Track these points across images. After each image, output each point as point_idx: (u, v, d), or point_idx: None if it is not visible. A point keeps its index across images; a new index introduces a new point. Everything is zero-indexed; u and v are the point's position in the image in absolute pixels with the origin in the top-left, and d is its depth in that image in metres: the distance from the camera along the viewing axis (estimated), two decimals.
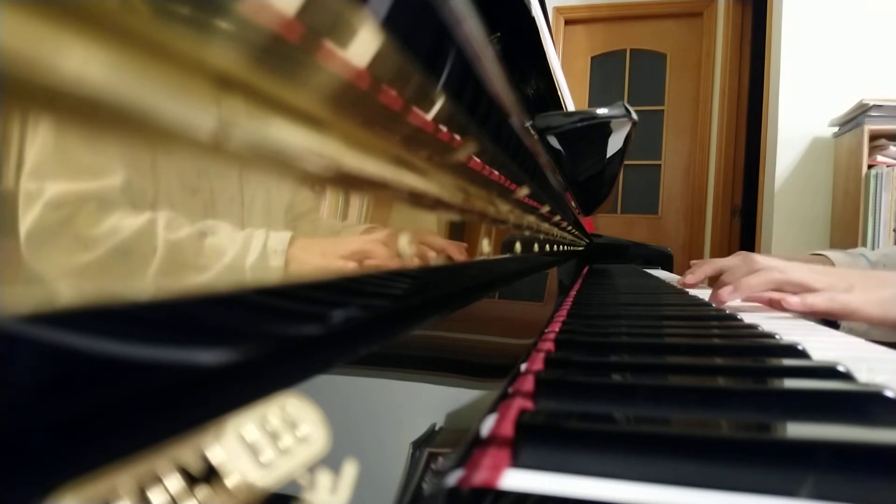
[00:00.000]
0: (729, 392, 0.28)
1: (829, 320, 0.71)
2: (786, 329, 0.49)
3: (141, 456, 0.09)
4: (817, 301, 0.65)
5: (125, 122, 0.09)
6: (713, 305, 0.69)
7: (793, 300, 0.66)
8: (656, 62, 3.05)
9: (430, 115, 0.22)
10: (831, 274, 0.69)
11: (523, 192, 0.47)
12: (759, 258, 0.75)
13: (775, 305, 0.68)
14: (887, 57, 2.19)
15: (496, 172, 0.36)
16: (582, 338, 0.43)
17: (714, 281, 0.85)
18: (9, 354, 0.08)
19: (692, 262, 1.07)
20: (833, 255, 0.92)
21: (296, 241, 0.16)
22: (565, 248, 1.00)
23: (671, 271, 1.44)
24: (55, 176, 0.08)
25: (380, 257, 0.21)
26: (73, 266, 0.09)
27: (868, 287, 0.66)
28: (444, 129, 0.24)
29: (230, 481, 0.11)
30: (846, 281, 0.67)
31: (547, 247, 0.72)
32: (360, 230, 0.20)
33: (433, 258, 0.27)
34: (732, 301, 0.73)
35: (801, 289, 0.68)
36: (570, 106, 0.91)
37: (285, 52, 0.13)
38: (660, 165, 3.06)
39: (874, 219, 1.94)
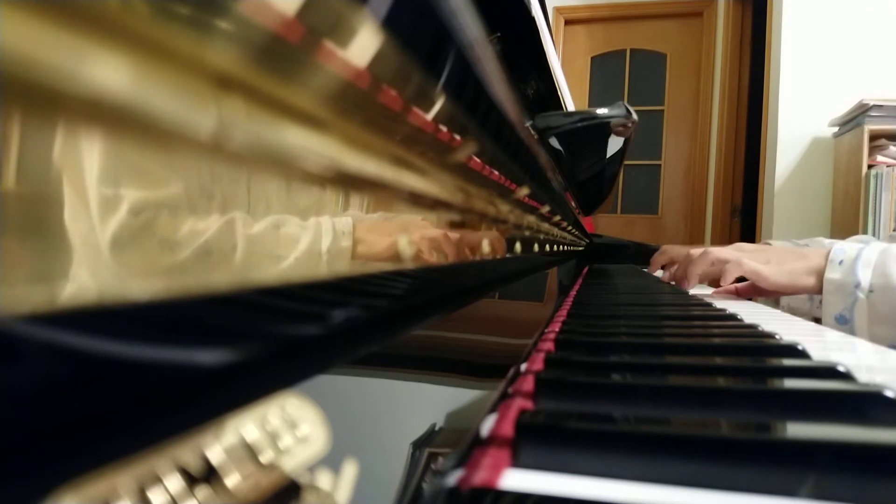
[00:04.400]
0: (729, 392, 0.28)
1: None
2: (785, 329, 0.49)
3: (141, 456, 0.09)
4: (734, 269, 0.81)
5: (141, 126, 0.09)
6: (713, 305, 0.69)
7: (722, 288, 0.83)
8: (656, 62, 3.05)
9: (430, 115, 0.22)
10: (754, 251, 0.84)
11: (523, 192, 0.47)
12: (699, 250, 0.92)
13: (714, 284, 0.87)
14: (887, 57, 2.19)
15: (496, 172, 0.36)
16: (582, 338, 0.43)
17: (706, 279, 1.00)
18: (9, 354, 0.08)
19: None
20: (777, 244, 1.10)
21: (357, 224, 0.17)
22: (565, 247, 1.00)
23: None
24: (130, 183, 0.09)
25: (429, 245, 0.23)
26: (160, 266, 0.10)
27: (782, 261, 0.80)
28: (444, 129, 0.24)
29: (230, 481, 0.11)
30: (765, 255, 0.81)
31: (547, 247, 0.72)
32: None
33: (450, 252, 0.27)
34: (693, 289, 0.90)
35: (725, 263, 0.83)
36: (570, 106, 0.91)
37: (285, 52, 0.13)
38: (660, 165, 3.06)
39: (874, 219, 1.94)
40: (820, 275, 0.78)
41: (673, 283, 0.95)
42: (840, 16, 2.24)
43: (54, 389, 0.08)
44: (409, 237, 0.22)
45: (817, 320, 0.78)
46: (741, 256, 0.82)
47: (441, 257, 0.26)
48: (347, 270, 0.17)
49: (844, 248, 0.77)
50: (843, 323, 0.74)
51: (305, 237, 0.14)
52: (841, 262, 0.75)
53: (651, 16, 3.03)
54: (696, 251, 0.90)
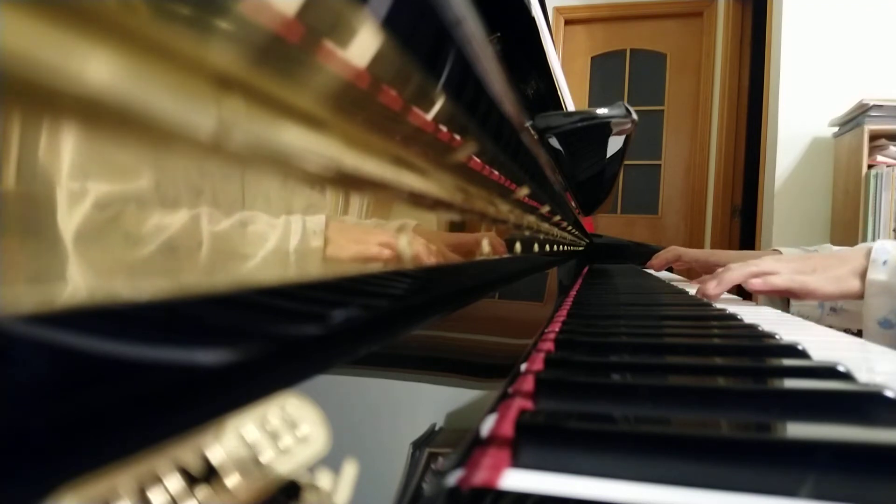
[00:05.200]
0: (729, 392, 0.28)
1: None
2: (785, 328, 0.49)
3: (141, 456, 0.09)
4: (778, 281, 0.74)
5: (137, 124, 0.09)
6: (713, 305, 0.69)
7: (755, 281, 0.75)
8: (656, 62, 3.05)
9: (430, 115, 0.22)
10: (796, 260, 0.79)
11: (523, 192, 0.47)
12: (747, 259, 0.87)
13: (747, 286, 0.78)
14: (887, 57, 2.19)
15: (496, 172, 0.36)
16: (582, 338, 0.43)
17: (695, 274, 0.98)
18: (9, 354, 0.08)
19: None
20: (787, 251, 1.07)
21: (330, 223, 0.17)
22: (565, 247, 1.00)
23: (671, 271, 1.44)
24: (98, 177, 0.09)
25: (402, 249, 0.22)
26: (124, 262, 0.10)
27: (827, 268, 0.75)
28: (444, 129, 0.24)
29: (230, 481, 0.11)
30: (809, 265, 0.76)
31: (547, 247, 0.72)
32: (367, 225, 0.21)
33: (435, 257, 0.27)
34: (717, 291, 0.84)
35: (772, 274, 0.77)
36: (570, 106, 0.91)
37: (285, 52, 0.13)
38: (660, 165, 3.05)
39: (874, 219, 1.94)
40: (865, 277, 0.73)
41: (698, 282, 0.90)
42: (840, 16, 2.23)
43: (54, 389, 0.08)
44: (384, 244, 0.21)
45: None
46: (791, 269, 0.77)
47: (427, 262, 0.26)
48: (318, 271, 0.17)
49: (887, 248, 0.72)
50: (888, 328, 0.70)
51: (273, 235, 0.14)
52: (885, 263, 0.71)
53: (651, 16, 3.03)
54: (744, 256, 0.87)
